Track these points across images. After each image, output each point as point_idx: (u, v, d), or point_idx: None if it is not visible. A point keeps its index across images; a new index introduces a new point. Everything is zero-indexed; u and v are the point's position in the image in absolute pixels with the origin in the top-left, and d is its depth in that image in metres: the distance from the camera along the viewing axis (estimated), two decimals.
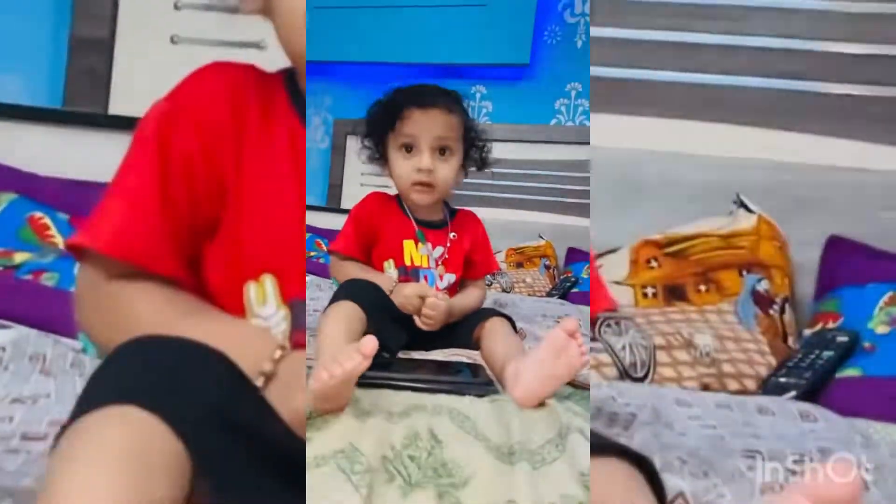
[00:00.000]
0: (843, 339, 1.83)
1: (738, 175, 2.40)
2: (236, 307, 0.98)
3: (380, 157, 1.94)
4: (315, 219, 4.13)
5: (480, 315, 1.80)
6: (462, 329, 1.79)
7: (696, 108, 2.53)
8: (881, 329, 1.84)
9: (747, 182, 2.35)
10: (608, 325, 1.89)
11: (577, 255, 4.46)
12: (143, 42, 3.04)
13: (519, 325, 1.86)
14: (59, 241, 2.27)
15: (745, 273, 2.06)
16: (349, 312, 1.53)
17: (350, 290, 1.64)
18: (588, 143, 4.39)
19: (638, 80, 2.56)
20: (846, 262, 2.16)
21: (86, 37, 3.04)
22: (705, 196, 2.36)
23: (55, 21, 3.05)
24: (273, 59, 1.05)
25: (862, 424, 1.36)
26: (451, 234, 1.96)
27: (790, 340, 1.98)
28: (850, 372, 1.75)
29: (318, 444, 0.95)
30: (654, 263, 2.11)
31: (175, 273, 0.94)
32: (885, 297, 1.92)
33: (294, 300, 0.99)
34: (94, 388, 0.71)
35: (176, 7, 2.96)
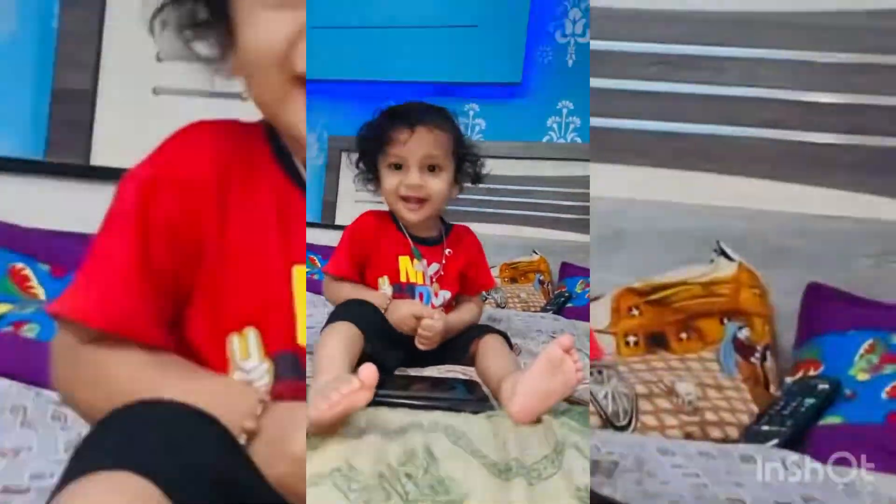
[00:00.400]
0: (824, 386, 1.83)
1: (719, 223, 2.41)
2: (219, 360, 0.97)
3: (373, 178, 1.95)
4: (309, 235, 4.10)
5: (476, 331, 1.80)
6: (457, 345, 1.79)
7: (677, 158, 2.55)
8: (862, 376, 1.85)
9: (727, 230, 2.36)
10: (590, 374, 1.89)
11: (570, 270, 4.52)
12: (126, 93, 3.05)
13: (514, 340, 1.86)
14: (40, 292, 2.25)
15: (726, 321, 2.07)
16: (347, 333, 1.53)
17: (347, 311, 1.64)
18: (580, 160, 4.47)
19: (620, 130, 2.58)
20: (826, 310, 2.16)
21: (68, 88, 3.05)
22: (686, 244, 2.37)
23: (37, 72, 3.05)
24: (256, 111, 1.05)
25: (844, 472, 1.36)
26: (447, 251, 1.96)
27: (772, 388, 1.98)
28: (831, 419, 1.75)
29: (315, 463, 0.94)
30: (635, 311, 2.12)
31: (156, 340, 0.93)
32: (866, 345, 1.92)
33: (279, 353, 0.98)
34: (86, 452, 0.71)
35: (158, 59, 2.97)
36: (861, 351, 1.91)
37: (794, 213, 2.41)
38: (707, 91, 2.55)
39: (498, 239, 4.60)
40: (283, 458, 0.82)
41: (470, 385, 1.52)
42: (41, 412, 1.46)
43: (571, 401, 1.43)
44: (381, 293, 1.87)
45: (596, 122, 2.57)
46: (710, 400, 1.85)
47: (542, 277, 4.57)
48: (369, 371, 1.04)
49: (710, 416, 1.81)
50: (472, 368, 1.71)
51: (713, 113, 2.55)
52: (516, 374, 1.36)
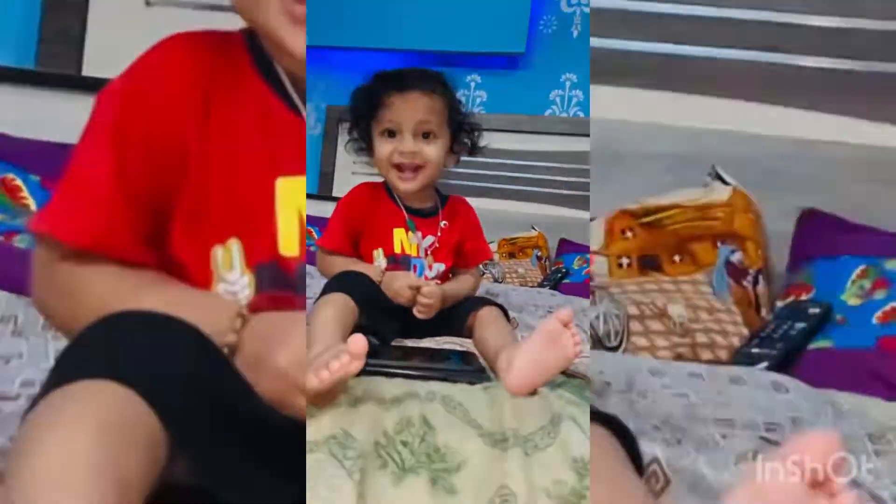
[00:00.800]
0: (815, 310, 1.84)
1: (714, 147, 2.41)
2: (203, 272, 0.97)
3: (367, 147, 1.92)
4: (306, 207, 4.07)
5: (473, 303, 1.79)
6: (455, 317, 1.78)
7: (673, 80, 2.54)
8: (853, 301, 1.86)
9: (723, 154, 2.36)
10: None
11: (568, 247, 4.48)
12: (118, 4, 3.02)
13: (511, 314, 1.86)
14: (31, 202, 2.25)
15: (719, 244, 2.07)
16: (340, 304, 1.53)
17: (341, 282, 1.63)
18: (583, 135, 4.42)
19: (614, 51, 2.55)
20: (819, 235, 2.17)
21: None
22: (681, 167, 2.37)
23: None
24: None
25: (833, 396, 1.37)
26: (442, 223, 1.94)
27: (763, 312, 1.99)
28: (821, 343, 1.76)
29: (311, 431, 0.94)
30: (629, 234, 2.12)
31: (134, 256, 0.93)
32: (858, 270, 1.93)
33: (259, 264, 0.98)
34: (67, 362, 0.71)
35: None
36: (853, 276, 1.92)
37: (789, 138, 2.41)
38: (705, 13, 2.53)
39: (496, 214, 4.52)
40: (267, 372, 0.82)
41: (467, 356, 1.52)
42: (32, 321, 1.46)
43: (568, 374, 1.43)
44: (374, 266, 1.86)
45: (593, 42, 2.54)
46: (701, 322, 1.86)
47: (539, 253, 4.54)
48: (358, 341, 1.03)
49: (701, 338, 1.82)
50: (469, 340, 1.70)
51: (711, 35, 2.53)
52: (513, 347, 1.35)
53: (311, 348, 1.23)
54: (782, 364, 1.68)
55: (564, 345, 1.24)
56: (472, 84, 5.16)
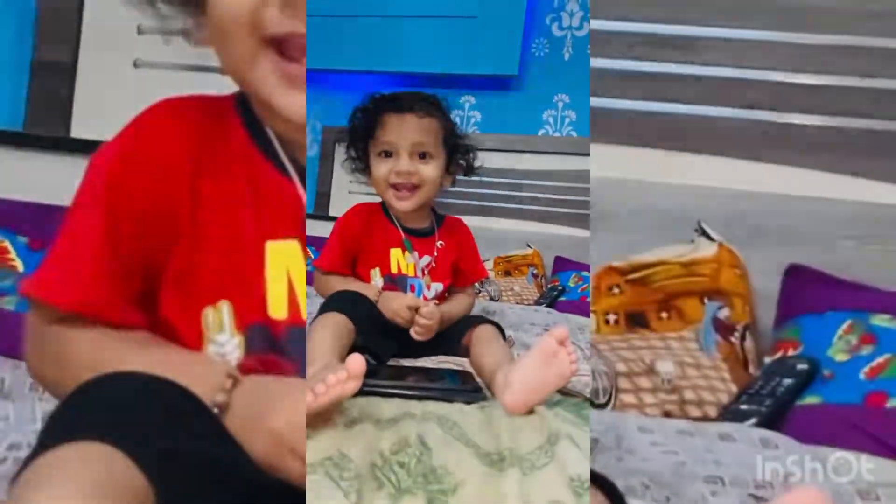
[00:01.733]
0: (803, 366, 1.84)
1: (700, 203, 2.42)
2: (194, 334, 0.97)
3: (364, 167, 1.94)
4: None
5: (469, 322, 1.80)
6: (451, 336, 1.79)
7: (659, 138, 2.55)
8: (840, 357, 1.86)
9: (708, 210, 2.37)
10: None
11: (564, 265, 4.48)
12: (106, 66, 3.03)
13: (507, 332, 1.86)
14: (19, 264, 2.24)
15: (706, 300, 2.08)
16: (337, 324, 1.53)
17: (337, 302, 1.64)
18: (576, 154, 4.46)
19: (603, 109, 2.57)
20: (806, 291, 2.17)
21: (48, 60, 3.03)
22: (667, 224, 2.38)
23: (17, 44, 3.03)
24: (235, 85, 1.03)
25: (822, 451, 1.37)
26: (439, 243, 1.95)
27: (751, 368, 1.99)
28: (810, 399, 1.76)
29: (307, 452, 0.94)
30: (616, 290, 2.12)
31: (123, 320, 0.93)
32: (844, 326, 1.93)
33: (250, 325, 0.98)
34: (56, 424, 0.71)
35: (139, 32, 2.94)
36: (840, 332, 1.92)
37: (774, 195, 2.42)
38: (689, 71, 2.55)
39: (492, 232, 4.54)
40: (260, 434, 0.81)
41: (463, 375, 1.52)
42: (19, 383, 1.46)
43: (565, 392, 1.43)
44: (371, 286, 1.86)
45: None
46: (689, 379, 1.86)
47: (535, 271, 4.56)
48: (356, 361, 1.04)
49: (689, 394, 1.82)
50: (465, 359, 1.71)
51: (695, 93, 2.55)
52: (510, 365, 1.36)
53: (307, 368, 1.23)
54: (771, 420, 1.68)
55: (561, 363, 1.24)
56: (467, 105, 5.23)
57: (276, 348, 0.98)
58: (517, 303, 4.11)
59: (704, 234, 2.27)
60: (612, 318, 2.06)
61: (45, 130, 2.94)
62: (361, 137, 1.92)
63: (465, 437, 1.08)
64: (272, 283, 0.99)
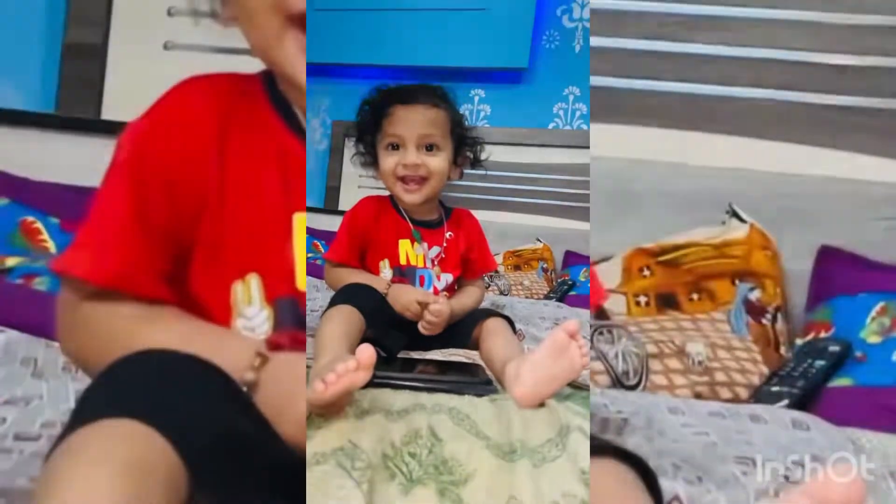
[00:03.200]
0: (834, 348, 1.83)
1: (731, 185, 2.40)
2: (223, 309, 0.98)
3: (373, 161, 1.94)
4: (312, 221, 4.09)
5: (479, 315, 1.80)
6: (461, 329, 1.79)
7: (691, 119, 2.54)
8: (873, 339, 1.85)
9: (740, 192, 2.35)
10: (601, 333, 1.89)
11: (574, 259, 4.49)
12: (136, 48, 3.05)
13: (518, 326, 1.85)
14: (51, 245, 2.26)
15: (737, 282, 2.07)
16: (347, 316, 1.53)
17: (347, 295, 1.64)
18: (586, 147, 4.43)
19: (633, 91, 2.56)
20: (838, 273, 2.16)
21: (79, 42, 3.05)
22: (698, 206, 2.37)
23: (48, 26, 3.05)
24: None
25: (853, 433, 1.36)
26: (448, 234, 1.95)
27: (782, 349, 1.98)
28: (841, 381, 1.75)
29: (318, 442, 0.94)
30: (646, 272, 2.11)
31: (154, 293, 0.94)
32: (877, 307, 1.92)
33: (279, 298, 0.99)
34: (90, 401, 0.71)
35: (169, 13, 2.95)
36: (872, 314, 1.91)
37: (807, 175, 2.40)
38: (721, 52, 2.54)
39: (502, 226, 4.59)
40: (289, 415, 0.82)
41: (473, 368, 1.52)
42: (52, 363, 1.47)
43: (576, 386, 1.43)
44: (380, 278, 1.87)
45: (611, 81, 2.55)
46: (720, 360, 1.85)
47: (545, 265, 4.55)
48: (367, 351, 1.04)
49: (719, 376, 1.81)
50: (475, 352, 1.71)
51: (727, 74, 2.54)
52: (520, 358, 1.35)
53: (317, 360, 1.24)
54: (802, 402, 1.67)
55: (572, 356, 1.24)
56: (476, 98, 5.24)
57: (301, 323, 0.99)
58: (527, 297, 4.11)
59: (735, 215, 2.26)
60: (642, 299, 2.05)
61: (77, 112, 2.96)
62: (369, 131, 1.91)
63: (476, 429, 1.07)
64: (300, 255, 1.00)
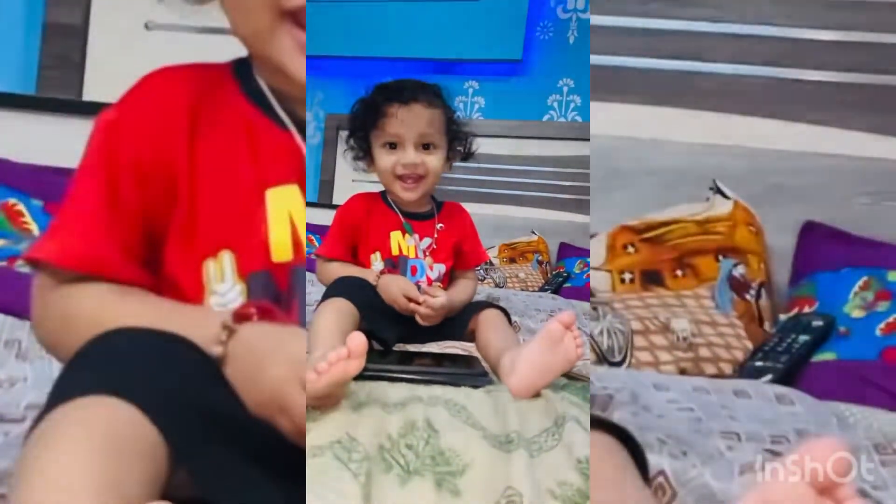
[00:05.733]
0: (818, 323, 1.84)
1: (715, 161, 2.41)
2: (196, 288, 0.99)
3: (364, 155, 1.93)
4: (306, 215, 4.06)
5: (475, 307, 1.80)
6: (456, 321, 1.79)
7: (674, 95, 2.54)
8: (856, 313, 1.86)
9: (724, 168, 2.36)
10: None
11: (569, 251, 4.49)
12: (117, 28, 3.03)
13: (513, 318, 1.86)
14: (34, 227, 2.25)
15: (721, 258, 2.07)
16: (341, 309, 1.53)
17: (341, 288, 1.64)
18: (581, 139, 4.44)
19: (615, 68, 2.56)
20: (821, 248, 2.17)
21: (59, 22, 3.03)
22: (682, 182, 2.37)
23: (28, 7, 3.03)
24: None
25: (837, 407, 1.37)
26: (438, 225, 1.95)
27: (766, 325, 1.99)
28: (825, 356, 1.76)
29: (315, 435, 0.95)
30: (630, 249, 2.12)
31: (126, 277, 0.95)
32: (860, 282, 1.93)
33: (252, 273, 0.99)
34: (66, 381, 0.72)
35: None
36: (855, 288, 1.92)
37: (790, 152, 2.41)
38: (703, 28, 2.53)
39: (497, 219, 4.58)
40: (258, 385, 0.82)
41: (469, 360, 1.53)
42: (36, 345, 1.47)
43: (571, 376, 1.44)
44: (370, 271, 1.87)
45: (594, 59, 2.55)
46: (704, 336, 1.86)
47: (540, 258, 4.56)
48: (357, 339, 1.04)
49: (704, 352, 1.82)
50: (471, 344, 1.71)
51: (709, 50, 2.54)
52: (516, 349, 1.36)
53: (311, 353, 1.24)
54: (786, 377, 1.68)
55: (567, 347, 1.24)
56: (471, 90, 5.21)
57: (278, 296, 1.00)
58: (522, 289, 4.13)
59: (719, 191, 2.26)
60: (627, 276, 2.06)
61: (58, 93, 2.94)
62: (364, 127, 1.91)
63: (473, 420, 1.08)
64: (275, 227, 1.01)
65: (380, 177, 1.90)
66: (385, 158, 1.85)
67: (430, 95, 1.86)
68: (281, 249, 1.01)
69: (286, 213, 1.02)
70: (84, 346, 0.75)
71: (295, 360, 0.83)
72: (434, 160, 1.86)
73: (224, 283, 0.99)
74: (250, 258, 1.00)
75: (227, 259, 0.99)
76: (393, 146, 1.84)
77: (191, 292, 0.98)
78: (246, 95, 1.06)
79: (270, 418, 0.82)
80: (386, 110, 1.82)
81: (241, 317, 0.88)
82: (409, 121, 1.81)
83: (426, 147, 1.84)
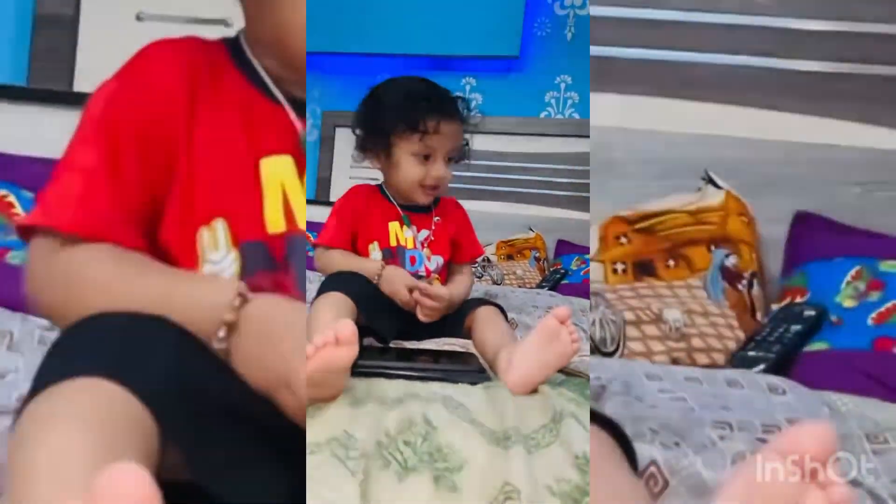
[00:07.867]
0: (810, 313, 1.85)
1: (707, 152, 2.40)
2: (190, 256, 0.99)
3: (378, 152, 1.92)
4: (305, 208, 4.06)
5: (471, 304, 1.81)
6: (453, 318, 1.79)
7: (665, 86, 2.54)
8: (848, 303, 1.86)
9: (716, 158, 2.36)
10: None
11: (566, 248, 4.48)
12: (108, 19, 3.02)
13: (510, 315, 1.86)
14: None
15: (713, 248, 2.07)
16: (337, 303, 1.54)
17: (337, 282, 1.64)
18: (578, 136, 4.43)
19: (608, 58, 2.56)
20: (813, 238, 2.17)
21: (50, 14, 3.02)
22: (674, 173, 2.37)
23: None
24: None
25: (829, 397, 1.37)
26: (435, 218, 1.96)
27: (758, 315, 1.99)
28: (817, 345, 1.76)
29: (313, 432, 0.95)
30: (623, 240, 2.12)
31: (130, 242, 0.94)
32: (852, 272, 1.93)
33: (246, 242, 1.00)
34: (55, 361, 0.73)
35: None
36: (847, 278, 1.92)
37: (781, 142, 2.41)
38: (695, 18, 2.53)
39: (494, 216, 4.55)
40: (270, 355, 0.83)
41: (467, 357, 1.53)
42: (27, 337, 1.47)
43: (568, 372, 1.44)
44: (372, 261, 1.87)
45: (591, 50, 2.54)
46: (697, 326, 1.86)
47: (537, 254, 4.54)
48: (345, 325, 1.04)
49: (696, 342, 1.82)
50: (468, 341, 1.71)
51: (703, 41, 2.53)
52: (512, 346, 1.37)
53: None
54: (778, 367, 1.68)
55: (563, 342, 1.25)
56: (468, 87, 5.17)
57: (275, 266, 1.01)
58: (520, 286, 4.11)
59: (711, 182, 2.26)
60: (619, 267, 2.06)
61: (49, 84, 2.93)
62: (391, 129, 1.87)
63: (470, 416, 1.08)
64: (268, 197, 1.02)
65: (402, 181, 1.89)
66: (415, 169, 1.86)
67: (461, 110, 1.88)
68: (275, 219, 1.02)
69: (279, 182, 1.03)
70: (71, 327, 0.76)
71: (302, 336, 0.84)
72: (449, 169, 1.88)
73: (218, 251, 0.99)
74: (244, 227, 1.01)
75: (220, 227, 1.00)
76: (426, 157, 1.85)
77: (185, 262, 0.99)
78: (240, 70, 1.08)
79: (274, 392, 0.82)
80: (426, 123, 1.81)
81: (255, 287, 0.89)
82: (448, 135, 1.83)
83: (449, 159, 1.86)
